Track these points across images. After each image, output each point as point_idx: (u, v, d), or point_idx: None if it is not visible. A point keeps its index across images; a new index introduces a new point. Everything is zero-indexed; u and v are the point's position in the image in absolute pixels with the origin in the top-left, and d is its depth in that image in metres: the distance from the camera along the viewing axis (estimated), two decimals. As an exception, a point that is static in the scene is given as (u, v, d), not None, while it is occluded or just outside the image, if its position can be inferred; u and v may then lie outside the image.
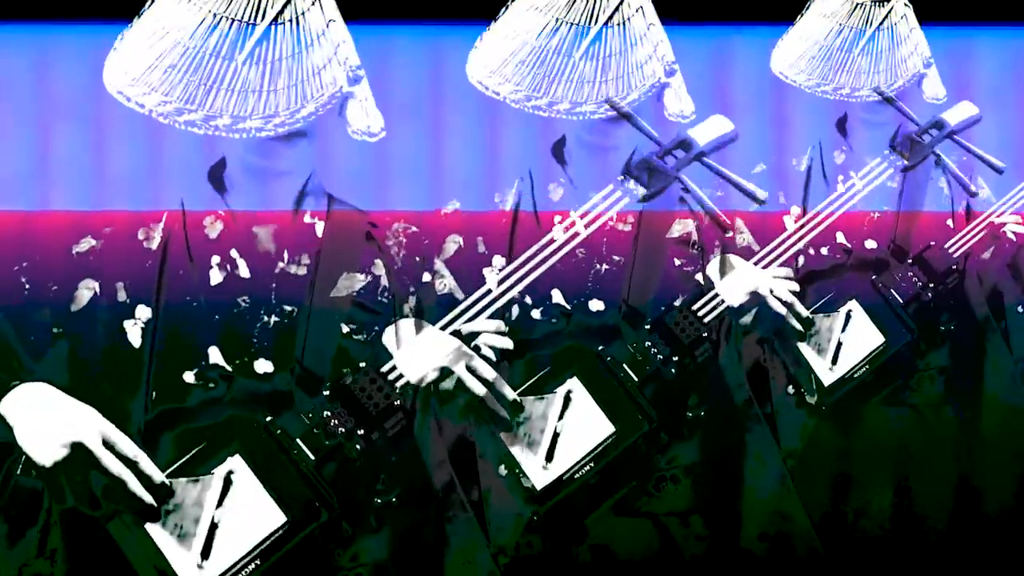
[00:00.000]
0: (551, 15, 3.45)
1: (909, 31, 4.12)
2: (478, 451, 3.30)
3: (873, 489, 4.17)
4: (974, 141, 4.03)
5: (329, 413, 2.85)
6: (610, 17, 3.45)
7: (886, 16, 4.07)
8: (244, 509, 2.78)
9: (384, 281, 3.04)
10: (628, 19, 3.47)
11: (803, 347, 3.98)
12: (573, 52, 3.45)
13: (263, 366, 2.89)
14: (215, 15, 2.77)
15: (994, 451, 4.23)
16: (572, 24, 3.45)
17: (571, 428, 3.39)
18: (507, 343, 3.02)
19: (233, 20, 2.77)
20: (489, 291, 3.05)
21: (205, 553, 2.74)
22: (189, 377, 2.85)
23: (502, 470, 3.34)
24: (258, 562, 2.77)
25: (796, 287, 3.78)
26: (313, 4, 2.82)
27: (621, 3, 3.45)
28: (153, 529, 2.72)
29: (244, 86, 2.77)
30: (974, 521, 4.23)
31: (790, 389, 3.97)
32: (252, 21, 2.77)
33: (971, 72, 4.14)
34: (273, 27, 2.78)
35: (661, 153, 3.21)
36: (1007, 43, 4.34)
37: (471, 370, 2.95)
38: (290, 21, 2.79)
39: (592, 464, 3.40)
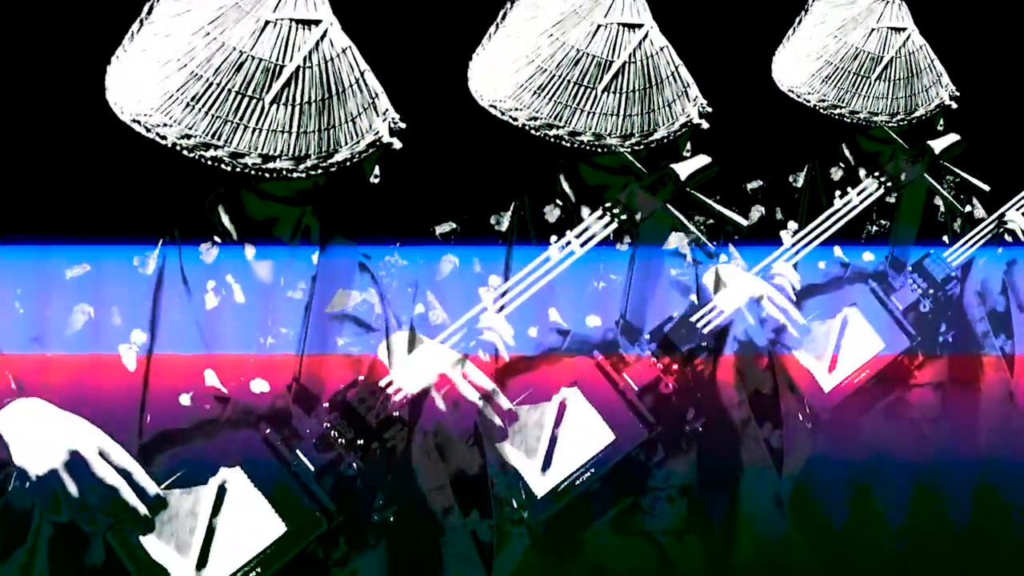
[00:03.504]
0: (571, 45, 3.45)
1: (930, 61, 4.14)
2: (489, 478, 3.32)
3: (874, 502, 4.20)
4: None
5: (328, 425, 2.87)
6: (632, 53, 3.44)
7: (903, 43, 4.09)
8: (242, 519, 2.79)
9: (377, 309, 3.05)
10: (651, 56, 3.46)
11: (801, 353, 4.01)
12: (595, 85, 3.45)
13: (259, 386, 2.89)
14: (241, 53, 2.75)
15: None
16: (593, 57, 3.44)
17: (569, 436, 3.43)
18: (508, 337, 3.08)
19: (260, 60, 2.75)
20: (484, 309, 3.07)
21: (202, 562, 2.76)
22: (185, 400, 2.85)
23: (499, 489, 3.39)
24: (259, 570, 2.79)
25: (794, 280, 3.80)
26: (344, 52, 2.80)
27: (643, 40, 3.45)
28: (149, 540, 2.73)
29: (272, 126, 2.75)
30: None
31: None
32: (280, 63, 2.76)
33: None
34: (301, 70, 2.76)
35: (646, 185, 3.26)
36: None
37: (467, 379, 2.96)
38: (318, 66, 2.77)
39: (592, 471, 3.43)
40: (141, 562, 2.74)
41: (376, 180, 2.87)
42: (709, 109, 3.50)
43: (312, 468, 2.83)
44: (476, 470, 3.17)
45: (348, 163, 2.81)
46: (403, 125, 2.84)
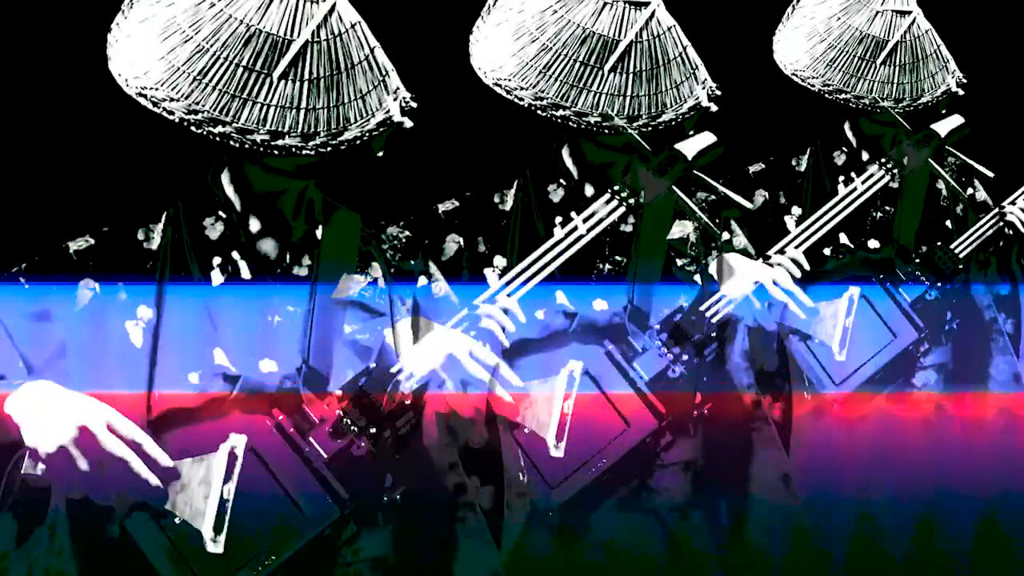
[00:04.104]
0: (576, 23, 3.44)
1: (936, 47, 4.14)
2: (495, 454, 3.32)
3: (878, 483, 4.20)
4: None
5: (340, 412, 2.85)
6: (639, 33, 3.44)
7: (908, 27, 4.09)
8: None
9: (382, 284, 3.03)
10: (658, 36, 3.46)
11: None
12: (603, 64, 3.45)
13: (268, 365, 2.88)
14: (248, 27, 2.74)
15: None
16: (599, 36, 3.44)
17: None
18: (509, 323, 3.02)
19: (269, 35, 2.74)
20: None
21: (218, 528, 2.75)
22: (193, 378, 2.84)
23: (521, 477, 3.40)
24: (274, 556, 2.79)
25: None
26: (353, 27, 2.80)
27: (650, 19, 3.44)
28: (166, 521, 2.74)
29: (281, 102, 2.75)
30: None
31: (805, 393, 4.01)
32: (288, 37, 2.75)
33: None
34: (309, 46, 2.76)
35: (653, 167, 3.24)
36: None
37: (475, 358, 2.94)
38: (326, 41, 2.77)
39: (605, 460, 3.45)
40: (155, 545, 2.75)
41: (381, 154, 2.86)
42: (719, 92, 3.49)
43: (325, 455, 2.82)
44: (483, 445, 3.17)
45: (358, 141, 2.80)
46: (415, 105, 2.84)
